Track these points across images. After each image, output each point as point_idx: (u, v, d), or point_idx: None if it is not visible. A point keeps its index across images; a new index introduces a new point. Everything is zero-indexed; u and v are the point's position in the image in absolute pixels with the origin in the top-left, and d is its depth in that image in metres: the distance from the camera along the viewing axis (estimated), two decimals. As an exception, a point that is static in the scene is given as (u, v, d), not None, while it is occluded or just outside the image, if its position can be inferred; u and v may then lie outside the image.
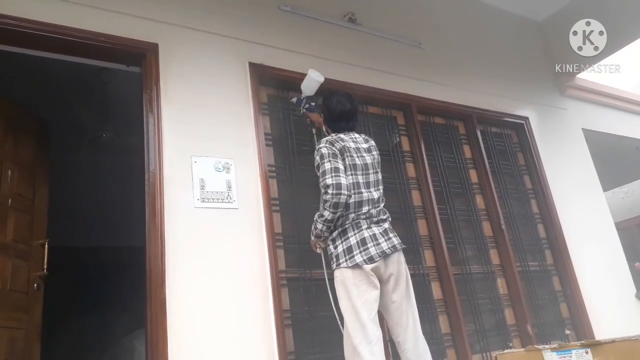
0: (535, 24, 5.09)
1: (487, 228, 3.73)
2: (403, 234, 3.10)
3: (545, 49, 5.02)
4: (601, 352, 1.73)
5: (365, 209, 2.35)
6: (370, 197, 2.39)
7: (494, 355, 2.02)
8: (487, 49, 4.44)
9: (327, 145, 2.40)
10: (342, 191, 2.25)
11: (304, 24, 3.40)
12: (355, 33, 3.62)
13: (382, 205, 2.46)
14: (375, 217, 2.38)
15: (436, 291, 3.26)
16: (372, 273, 2.25)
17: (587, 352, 1.75)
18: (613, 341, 1.78)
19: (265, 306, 2.48)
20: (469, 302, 3.35)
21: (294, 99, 2.98)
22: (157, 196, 2.41)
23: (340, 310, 2.28)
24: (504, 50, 4.61)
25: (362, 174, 2.42)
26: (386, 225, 2.41)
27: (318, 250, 2.54)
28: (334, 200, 2.24)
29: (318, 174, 2.36)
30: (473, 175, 3.88)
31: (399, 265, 2.36)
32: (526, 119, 4.40)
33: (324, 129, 2.69)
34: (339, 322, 2.36)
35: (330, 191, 2.25)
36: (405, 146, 3.61)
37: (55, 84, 3.91)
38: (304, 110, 2.94)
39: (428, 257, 3.34)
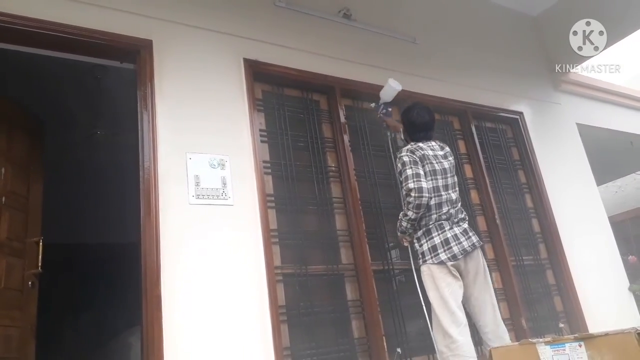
0: (530, 19, 5.10)
1: (481, 223, 3.74)
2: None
3: (540, 44, 5.03)
4: (594, 345, 1.74)
5: (445, 209, 2.70)
6: (448, 198, 2.74)
7: (488, 349, 2.03)
8: (481, 44, 4.44)
9: (408, 153, 2.73)
10: (424, 194, 2.59)
11: (299, 20, 3.39)
12: (350, 29, 3.61)
13: (459, 205, 2.80)
14: (455, 217, 2.73)
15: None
16: (455, 269, 2.60)
17: (580, 346, 1.76)
18: (607, 334, 1.79)
19: (261, 302, 2.49)
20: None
21: (373, 104, 3.29)
22: (151, 192, 2.40)
23: (427, 299, 2.62)
24: (499, 45, 4.61)
25: (442, 178, 2.75)
26: (465, 225, 2.75)
27: (405, 244, 2.86)
28: (416, 202, 2.59)
29: (400, 179, 2.74)
30: (468, 170, 3.89)
31: (477, 260, 2.70)
32: (520, 113, 4.40)
33: (402, 136, 3.07)
34: (425, 311, 2.68)
35: (413, 194, 2.60)
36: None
37: (49, 81, 3.90)
38: (381, 115, 3.25)
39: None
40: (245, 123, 2.84)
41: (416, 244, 2.73)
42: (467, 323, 2.54)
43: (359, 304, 2.93)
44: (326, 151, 3.24)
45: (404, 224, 2.72)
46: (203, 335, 2.29)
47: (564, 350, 1.81)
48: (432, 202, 2.67)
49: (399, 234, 2.83)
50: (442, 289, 2.55)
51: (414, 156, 2.71)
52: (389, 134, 3.31)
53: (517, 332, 3.43)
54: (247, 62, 2.98)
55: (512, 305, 3.52)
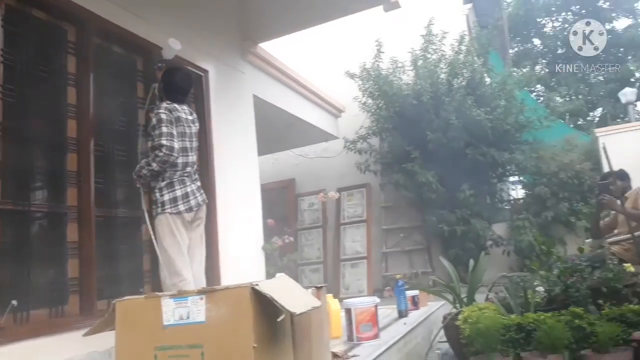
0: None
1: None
2: (50, 167, 2.97)
3: (241, 11, 5.18)
4: (213, 299, 1.88)
5: (188, 169, 3.13)
6: (192, 160, 3.18)
7: (113, 301, 1.97)
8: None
9: (166, 112, 3.01)
10: (174, 153, 2.95)
11: None
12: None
13: (195, 167, 3.25)
14: (194, 175, 3.19)
15: (72, 233, 3.01)
16: (188, 219, 3.05)
17: (201, 299, 1.87)
18: (226, 288, 1.96)
19: None
20: (107, 247, 3.23)
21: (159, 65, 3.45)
22: None
23: (159, 243, 3.00)
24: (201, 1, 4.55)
25: (189, 141, 3.14)
26: (199, 183, 3.25)
27: (138, 185, 3.16)
28: (164, 159, 2.93)
29: (152, 133, 2.99)
30: (141, 116, 3.71)
31: (202, 215, 3.21)
32: (206, 72, 4.46)
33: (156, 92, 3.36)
34: (158, 252, 3.02)
35: (164, 150, 2.90)
36: (72, 68, 3.17)
37: None
38: (156, 68, 3.44)
39: (71, 195, 3.05)
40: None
41: (157, 194, 3.01)
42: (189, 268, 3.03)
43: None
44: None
45: (145, 172, 3.01)
46: None
47: (187, 302, 1.90)
48: (179, 160, 3.02)
49: (134, 176, 3.11)
50: (177, 236, 2.97)
51: (172, 116, 3.00)
52: (153, 86, 3.45)
53: (154, 284, 3.47)
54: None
55: (155, 257, 3.52)
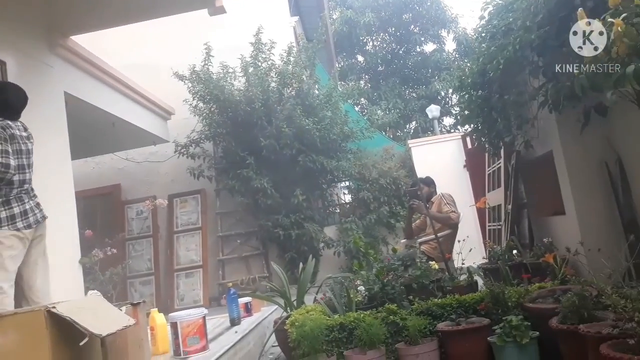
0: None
1: None
2: None
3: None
4: (2, 325, 1.60)
5: (25, 186, 3.11)
6: (29, 177, 3.17)
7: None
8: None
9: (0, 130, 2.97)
10: (10, 170, 2.92)
11: None
12: None
13: (32, 184, 3.20)
14: (31, 192, 3.18)
15: None
16: (28, 236, 3.04)
17: (-18, 328, 1.57)
18: (15, 313, 1.68)
19: None
20: None
21: None
22: None
23: None
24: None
25: (25, 157, 3.12)
26: (37, 199, 3.22)
27: None
28: (1, 176, 2.89)
29: None
30: None
31: (43, 230, 3.22)
32: (4, 63, 3.88)
33: None
34: None
35: (1, 168, 2.87)
36: None
37: None
38: None
39: None
40: None
41: None
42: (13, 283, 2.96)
43: None
44: None
45: None
46: None
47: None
48: (16, 177, 2.99)
49: None
50: (6, 254, 2.90)
51: (5, 133, 2.97)
52: None
53: None
54: None
55: None
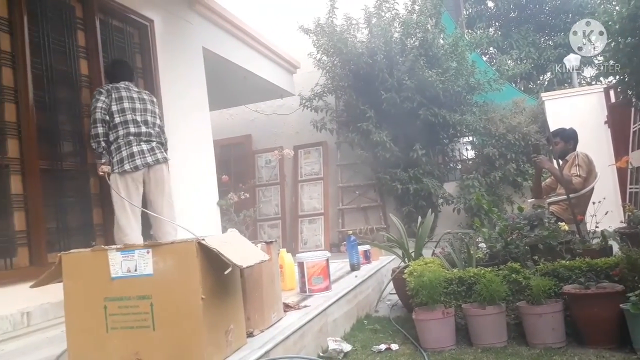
0: None
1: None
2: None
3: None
4: (160, 252, 1.87)
5: (132, 130, 3.35)
6: (145, 130, 3.41)
7: (59, 255, 1.93)
8: None
9: (101, 97, 3.29)
10: (98, 139, 3.25)
11: None
12: None
13: (151, 135, 3.46)
14: (144, 136, 3.38)
15: (16, 185, 2.90)
16: (137, 177, 3.31)
17: (148, 252, 1.86)
18: (172, 243, 1.96)
19: None
20: (55, 199, 3.14)
21: None
22: None
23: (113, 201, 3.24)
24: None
25: (140, 114, 3.42)
26: (153, 144, 3.42)
27: (101, 174, 3.28)
28: (92, 143, 3.26)
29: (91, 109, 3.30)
30: (84, 66, 3.53)
31: (160, 173, 3.44)
32: (151, 21, 4.26)
33: None
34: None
35: (92, 139, 3.27)
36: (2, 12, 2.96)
37: None
38: None
39: (12, 147, 2.92)
40: None
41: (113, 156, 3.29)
42: (139, 222, 3.31)
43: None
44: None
45: (93, 145, 3.26)
46: None
47: (133, 256, 1.88)
48: (132, 130, 3.31)
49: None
50: (124, 195, 3.20)
51: (102, 98, 3.26)
52: None
53: (107, 237, 3.45)
54: None
55: (107, 210, 3.46)
